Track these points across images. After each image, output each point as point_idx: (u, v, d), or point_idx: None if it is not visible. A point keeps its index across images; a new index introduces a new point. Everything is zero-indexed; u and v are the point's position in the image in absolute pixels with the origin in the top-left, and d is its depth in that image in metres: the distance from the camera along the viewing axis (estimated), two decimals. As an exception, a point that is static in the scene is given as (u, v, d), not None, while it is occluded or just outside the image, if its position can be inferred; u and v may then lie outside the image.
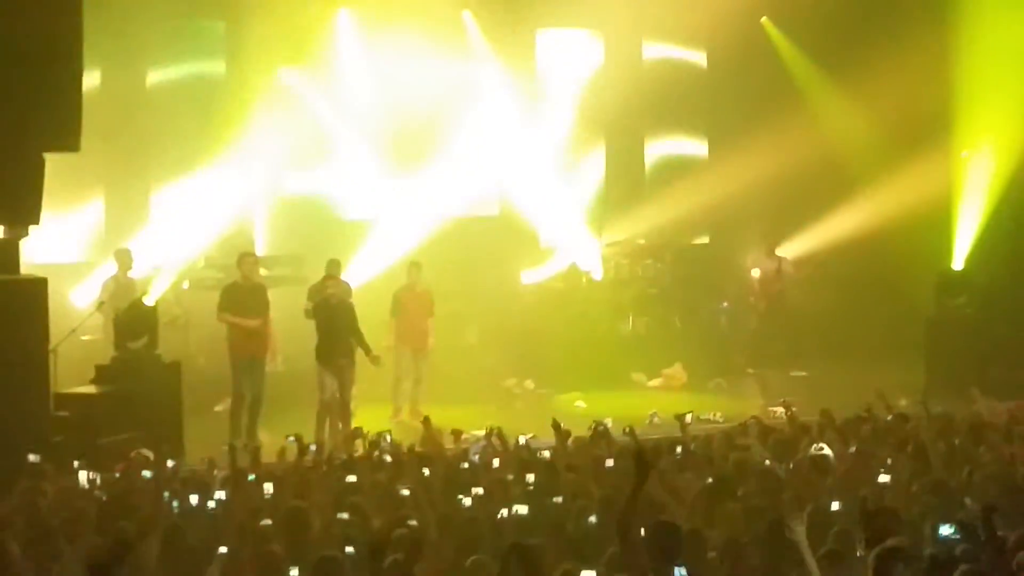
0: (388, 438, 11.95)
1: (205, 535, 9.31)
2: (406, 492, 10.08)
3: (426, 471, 10.64)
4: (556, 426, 11.99)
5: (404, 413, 16.84)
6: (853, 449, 11.12)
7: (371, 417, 15.23)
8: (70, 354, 14.95)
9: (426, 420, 12.25)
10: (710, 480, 10.23)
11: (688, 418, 12.45)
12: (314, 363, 15.71)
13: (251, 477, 10.54)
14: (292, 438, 11.84)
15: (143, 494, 10.48)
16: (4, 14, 13.13)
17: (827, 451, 10.64)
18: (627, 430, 12.10)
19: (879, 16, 19.59)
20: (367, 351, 15.64)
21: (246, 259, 16.00)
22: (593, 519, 9.25)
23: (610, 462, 10.79)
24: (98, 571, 7.04)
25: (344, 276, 16.81)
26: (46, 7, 13.30)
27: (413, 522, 9.18)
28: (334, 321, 15.59)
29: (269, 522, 9.41)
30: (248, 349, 15.65)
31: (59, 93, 13.42)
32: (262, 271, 16.64)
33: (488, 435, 12.16)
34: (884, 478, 9.91)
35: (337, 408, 15.44)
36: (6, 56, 13.12)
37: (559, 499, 9.85)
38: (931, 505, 8.94)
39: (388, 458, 11.64)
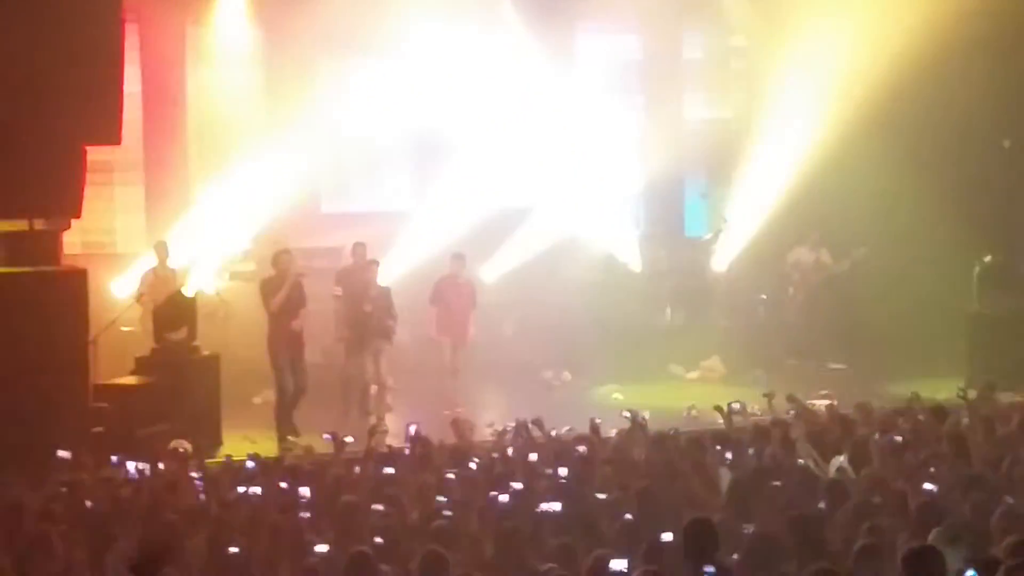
0: (412, 429, 11.91)
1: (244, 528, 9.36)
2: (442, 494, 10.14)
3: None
4: (594, 428, 11.99)
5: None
6: (899, 439, 11.05)
7: (415, 410, 15.32)
8: (109, 345, 15.02)
9: (454, 421, 12.25)
10: (744, 473, 10.20)
11: (736, 406, 12.42)
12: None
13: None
14: (328, 436, 11.87)
15: (185, 486, 10.57)
16: (45, 8, 13.21)
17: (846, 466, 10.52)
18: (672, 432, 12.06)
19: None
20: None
21: (281, 256, 15.89)
22: (629, 516, 9.23)
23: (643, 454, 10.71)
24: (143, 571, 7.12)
25: (380, 267, 16.86)
26: (86, 2, 13.38)
27: (448, 513, 9.21)
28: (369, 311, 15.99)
29: (308, 515, 9.46)
30: (291, 345, 15.59)
31: (99, 86, 13.50)
32: (300, 263, 16.69)
33: (518, 426, 12.15)
34: (929, 486, 9.77)
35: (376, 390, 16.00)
36: (47, 49, 13.21)
37: (599, 495, 9.82)
38: (975, 501, 8.84)
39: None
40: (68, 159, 13.54)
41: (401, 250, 18.94)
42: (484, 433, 13.28)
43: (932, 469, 10.10)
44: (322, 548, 8.65)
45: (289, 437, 14.80)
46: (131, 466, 11.22)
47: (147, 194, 19.39)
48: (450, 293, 17.09)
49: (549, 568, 7.78)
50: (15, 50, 13.17)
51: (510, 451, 11.69)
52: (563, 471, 10.37)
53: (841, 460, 10.58)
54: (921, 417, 12.20)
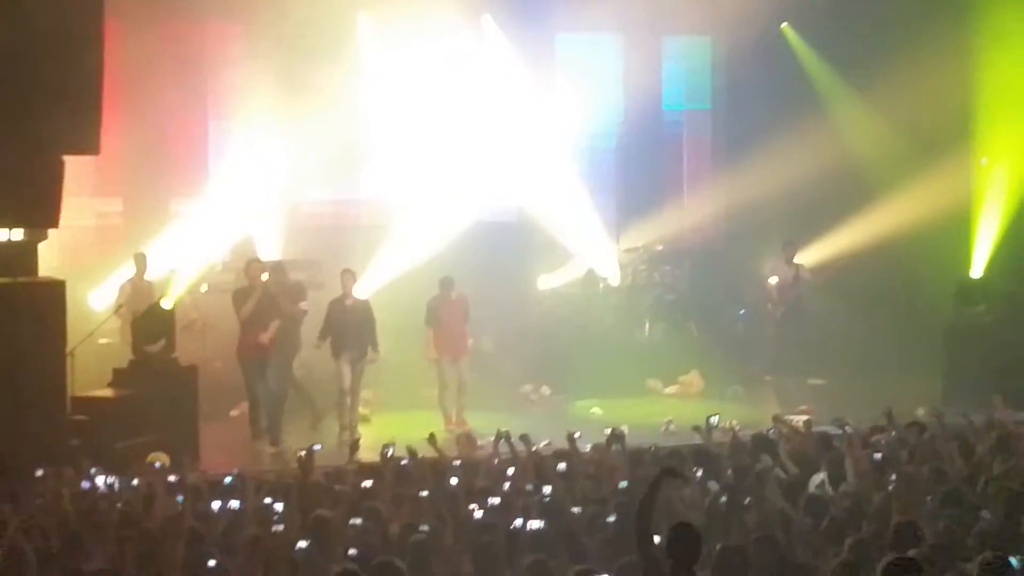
0: (391, 449, 11.91)
1: (221, 541, 9.34)
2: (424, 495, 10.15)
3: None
4: (571, 439, 11.99)
5: (453, 421, 16.73)
6: (878, 456, 11.08)
7: (418, 425, 15.35)
8: (87, 357, 14.96)
9: (432, 436, 12.24)
10: (722, 489, 10.21)
11: (715, 420, 12.41)
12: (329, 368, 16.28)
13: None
14: (304, 452, 11.84)
15: (162, 499, 10.53)
16: (24, 17, 13.16)
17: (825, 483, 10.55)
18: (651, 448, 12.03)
19: (901, 22, 19.51)
20: (375, 348, 16.27)
21: (252, 265, 16.01)
22: (608, 526, 9.24)
23: (624, 483, 10.66)
24: None
25: (360, 281, 16.89)
26: (66, 10, 13.33)
27: (425, 527, 9.21)
28: (346, 320, 16.13)
29: (281, 527, 9.45)
30: (257, 352, 15.65)
31: (79, 96, 13.45)
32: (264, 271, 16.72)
33: (496, 440, 12.15)
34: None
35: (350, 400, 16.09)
36: (26, 59, 13.16)
37: (575, 509, 9.83)
38: (952, 517, 8.87)
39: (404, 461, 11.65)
40: (46, 169, 13.47)
41: (382, 261, 18.95)
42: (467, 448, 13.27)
43: (908, 485, 10.13)
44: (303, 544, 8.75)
45: (269, 447, 14.92)
46: (109, 480, 11.15)
47: (125, 205, 19.34)
48: (444, 312, 17.04)
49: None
50: (-7, 59, 13.14)
51: (491, 464, 11.67)
52: (547, 489, 10.34)
53: (821, 477, 10.59)
54: (895, 433, 12.21)
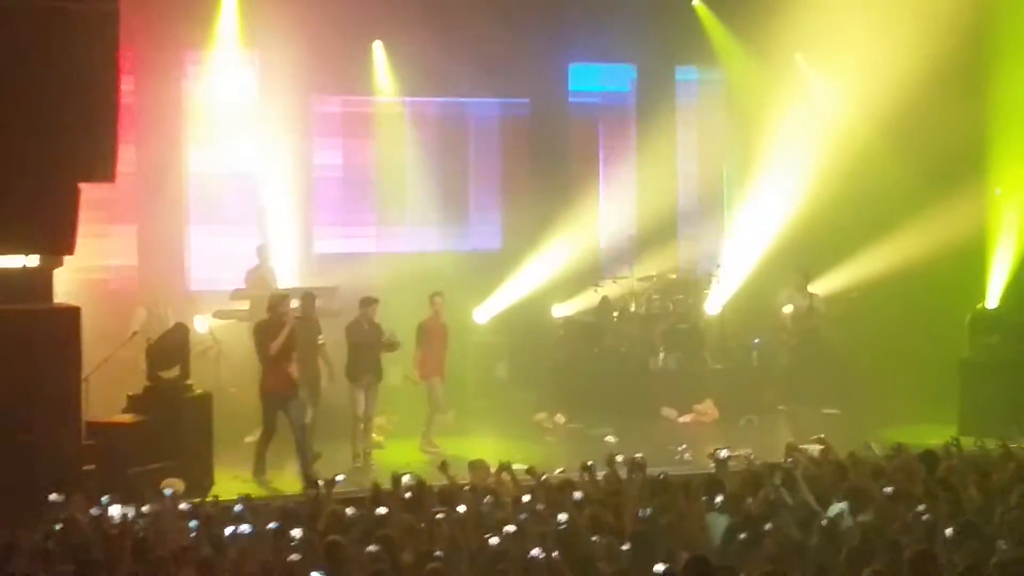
0: (408, 477, 11.88)
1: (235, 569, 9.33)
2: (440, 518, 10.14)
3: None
4: (587, 468, 11.98)
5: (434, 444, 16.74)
6: (889, 490, 11.02)
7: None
8: (102, 383, 14.97)
9: (443, 464, 12.23)
10: (737, 518, 10.17)
11: (724, 453, 12.36)
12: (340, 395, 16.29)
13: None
14: (321, 482, 11.83)
15: (176, 525, 10.53)
16: (41, 45, 13.24)
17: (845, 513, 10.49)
18: (661, 476, 12.01)
19: (914, 52, 19.51)
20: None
21: (277, 299, 15.80)
22: (623, 554, 9.21)
23: (643, 512, 10.62)
24: None
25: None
26: (82, 38, 13.40)
27: (439, 553, 9.19)
28: (364, 346, 16.11)
29: (297, 557, 9.43)
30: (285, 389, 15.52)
31: (95, 123, 13.51)
32: (292, 303, 16.71)
33: (499, 471, 12.13)
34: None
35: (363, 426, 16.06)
36: (42, 86, 13.22)
37: (593, 538, 9.80)
38: (969, 549, 8.83)
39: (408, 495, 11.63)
40: (62, 196, 13.52)
41: (400, 290, 18.95)
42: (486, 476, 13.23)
43: (925, 517, 10.07)
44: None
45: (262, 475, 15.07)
46: (114, 509, 11.13)
47: (140, 232, 19.37)
48: (434, 334, 17.10)
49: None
50: (10, 87, 13.19)
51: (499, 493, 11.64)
52: (562, 517, 10.32)
53: (841, 506, 10.53)
54: (907, 464, 12.13)
